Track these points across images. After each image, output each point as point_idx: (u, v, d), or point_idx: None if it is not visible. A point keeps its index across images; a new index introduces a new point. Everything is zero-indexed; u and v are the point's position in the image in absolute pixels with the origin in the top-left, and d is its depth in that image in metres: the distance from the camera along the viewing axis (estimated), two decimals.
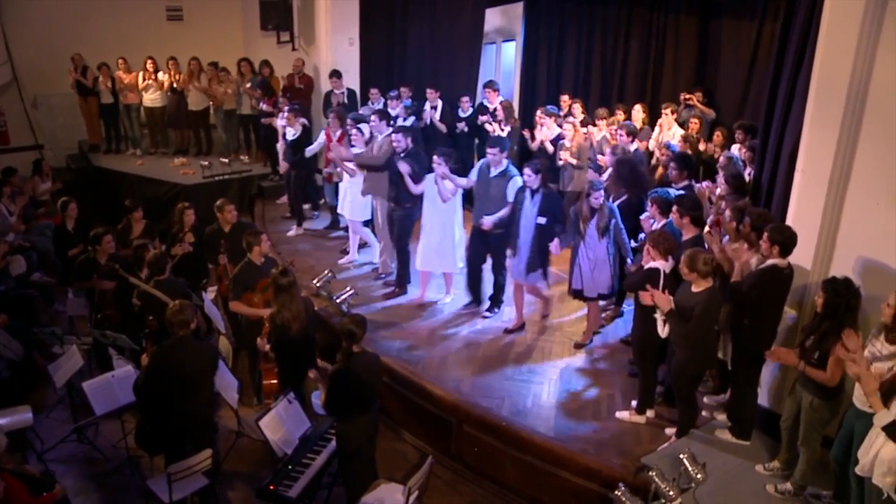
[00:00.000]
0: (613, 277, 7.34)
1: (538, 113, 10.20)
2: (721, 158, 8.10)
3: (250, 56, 13.38)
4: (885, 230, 5.30)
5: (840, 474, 5.11)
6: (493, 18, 12.68)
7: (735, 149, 8.41)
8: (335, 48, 12.70)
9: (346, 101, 11.62)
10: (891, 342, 4.72)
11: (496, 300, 8.29)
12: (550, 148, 9.65)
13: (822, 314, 5.01)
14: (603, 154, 9.13)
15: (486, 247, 7.94)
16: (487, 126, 10.54)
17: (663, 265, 5.99)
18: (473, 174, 7.93)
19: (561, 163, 9.31)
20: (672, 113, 9.60)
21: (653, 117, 10.00)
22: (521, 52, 12.82)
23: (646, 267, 6.08)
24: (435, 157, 7.80)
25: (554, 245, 7.39)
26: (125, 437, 6.66)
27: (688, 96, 10.00)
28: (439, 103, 10.86)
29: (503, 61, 13.94)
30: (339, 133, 9.74)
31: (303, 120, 10.43)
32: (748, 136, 8.35)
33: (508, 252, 7.71)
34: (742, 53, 9.70)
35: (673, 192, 7.05)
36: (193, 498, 5.85)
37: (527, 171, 7.30)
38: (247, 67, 12.79)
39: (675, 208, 6.34)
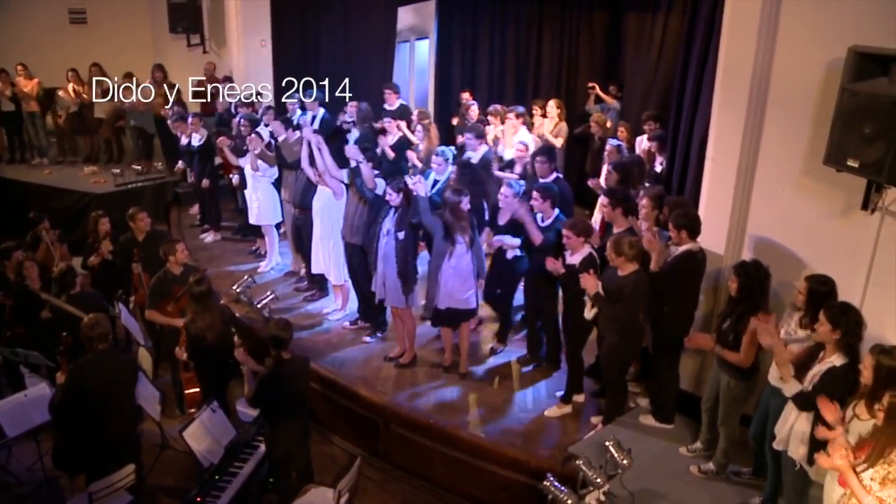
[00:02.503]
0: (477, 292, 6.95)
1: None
2: (607, 147, 8.24)
3: (160, 60, 13.05)
4: (791, 215, 5.51)
5: (758, 451, 5.31)
6: (405, 17, 12.67)
7: (643, 139, 8.59)
8: (247, 50, 12.50)
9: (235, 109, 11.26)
10: (803, 327, 4.92)
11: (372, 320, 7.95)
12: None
13: (736, 298, 5.17)
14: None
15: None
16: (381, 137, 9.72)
17: (588, 250, 6.08)
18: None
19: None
20: (540, 108, 9.76)
21: (569, 112, 10.13)
22: (434, 50, 12.87)
23: (568, 261, 6.16)
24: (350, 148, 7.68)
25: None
26: (41, 458, 6.41)
27: (591, 84, 10.21)
28: (320, 112, 10.55)
29: (417, 60, 13.94)
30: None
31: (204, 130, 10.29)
32: (656, 125, 8.52)
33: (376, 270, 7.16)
34: (648, 47, 9.93)
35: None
36: None
37: (388, 189, 6.89)
38: (160, 76, 12.44)
39: (606, 200, 6.41)
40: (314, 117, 10.20)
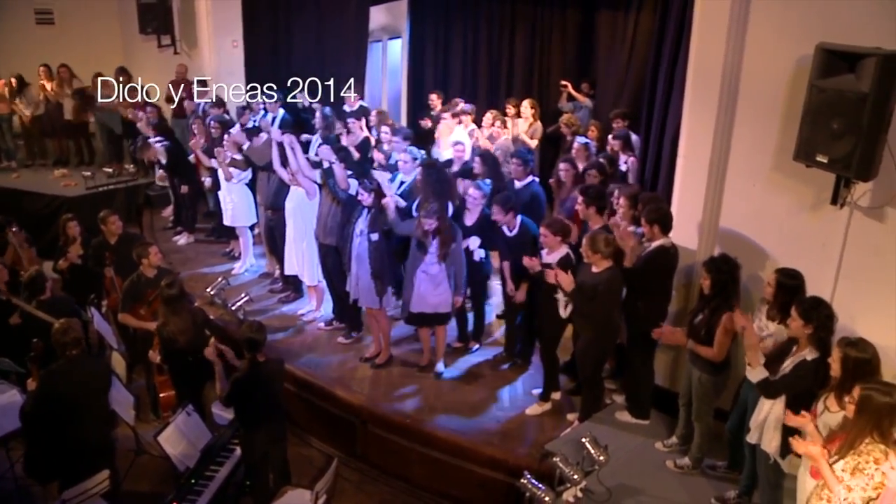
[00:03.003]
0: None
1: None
2: (575, 145, 8.27)
3: (130, 62, 12.92)
4: (762, 211, 5.56)
5: (734, 444, 5.36)
6: (377, 16, 12.63)
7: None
8: (219, 51, 12.39)
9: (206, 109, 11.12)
10: (770, 319, 4.99)
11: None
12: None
13: (711, 294, 5.21)
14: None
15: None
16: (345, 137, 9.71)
17: (565, 250, 6.10)
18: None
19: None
20: (514, 107, 9.79)
21: (542, 111, 10.16)
22: (407, 49, 12.84)
23: (545, 260, 6.17)
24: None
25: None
26: (12, 466, 6.32)
27: (564, 82, 10.25)
28: (280, 112, 10.35)
29: (389, 59, 13.92)
30: (202, 140, 9.67)
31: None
32: (624, 123, 8.54)
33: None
34: (620, 46, 9.99)
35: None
36: None
37: (360, 189, 6.85)
38: (126, 78, 12.30)
39: (580, 199, 6.44)
40: (274, 118, 10.18)
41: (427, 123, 10.22)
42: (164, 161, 10.20)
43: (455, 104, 10.00)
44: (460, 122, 9.64)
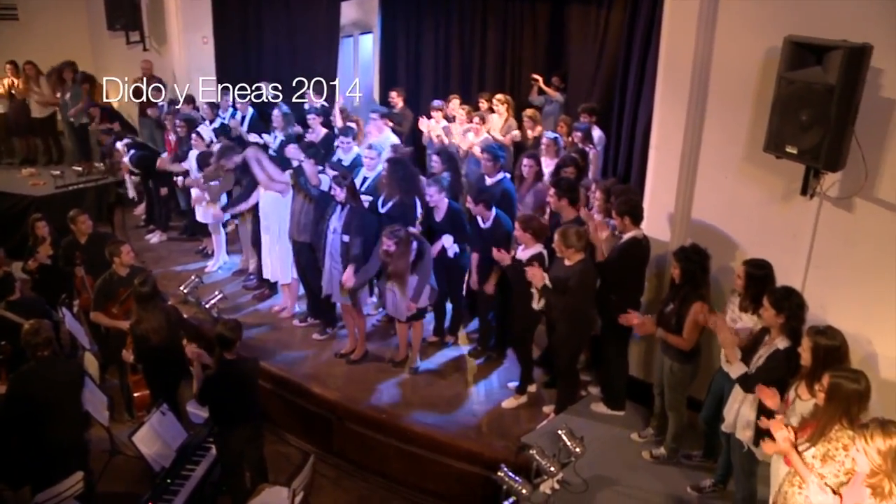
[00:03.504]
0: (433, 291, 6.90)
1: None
2: (544, 140, 8.27)
3: (98, 59, 12.73)
4: (734, 202, 5.62)
5: (709, 434, 5.42)
6: (348, 11, 12.56)
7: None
8: (188, 47, 12.25)
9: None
10: (743, 310, 5.04)
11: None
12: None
13: (680, 283, 5.27)
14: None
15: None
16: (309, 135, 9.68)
17: (539, 249, 6.10)
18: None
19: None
20: (487, 101, 9.80)
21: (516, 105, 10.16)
22: (378, 44, 12.80)
23: (518, 255, 6.18)
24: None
25: (347, 275, 6.78)
26: None
27: (534, 76, 10.27)
28: (249, 111, 10.34)
29: (361, 54, 13.86)
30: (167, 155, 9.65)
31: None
32: (591, 118, 8.57)
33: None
34: (592, 39, 10.01)
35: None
36: None
37: (332, 184, 6.84)
38: (69, 74, 12.17)
39: (552, 191, 6.45)
40: (244, 117, 10.10)
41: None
42: (136, 171, 10.15)
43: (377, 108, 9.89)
44: (431, 118, 9.61)
